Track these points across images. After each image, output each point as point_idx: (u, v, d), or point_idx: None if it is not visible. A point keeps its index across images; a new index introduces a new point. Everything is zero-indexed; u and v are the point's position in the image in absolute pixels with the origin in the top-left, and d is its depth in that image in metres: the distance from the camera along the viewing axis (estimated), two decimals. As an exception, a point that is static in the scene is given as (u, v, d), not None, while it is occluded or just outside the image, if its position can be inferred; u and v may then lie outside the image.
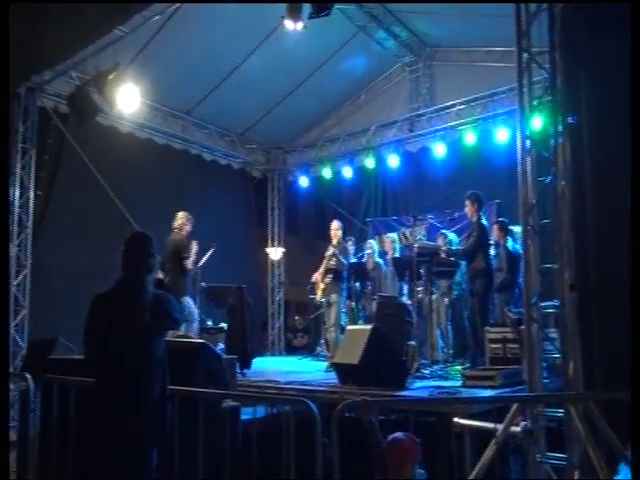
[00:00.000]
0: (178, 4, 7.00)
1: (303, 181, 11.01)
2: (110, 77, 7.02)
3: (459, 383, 5.29)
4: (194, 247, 6.77)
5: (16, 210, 7.64)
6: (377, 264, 7.96)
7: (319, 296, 7.78)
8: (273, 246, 11.07)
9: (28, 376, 4.21)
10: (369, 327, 5.46)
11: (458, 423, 3.89)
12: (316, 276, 7.62)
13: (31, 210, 7.78)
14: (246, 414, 4.30)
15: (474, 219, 6.49)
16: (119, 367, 2.92)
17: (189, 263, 6.70)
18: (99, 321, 2.99)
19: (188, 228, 7.10)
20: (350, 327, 6.37)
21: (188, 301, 6.54)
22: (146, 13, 6.81)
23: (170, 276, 6.25)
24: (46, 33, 7.25)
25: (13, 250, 7.53)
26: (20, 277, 7.53)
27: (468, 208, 6.54)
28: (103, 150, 8.42)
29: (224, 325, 6.79)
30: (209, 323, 7.22)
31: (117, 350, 2.92)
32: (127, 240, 3.16)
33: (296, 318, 12.13)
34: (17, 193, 7.66)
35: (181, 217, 7.14)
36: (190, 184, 9.69)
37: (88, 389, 3.63)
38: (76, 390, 3.97)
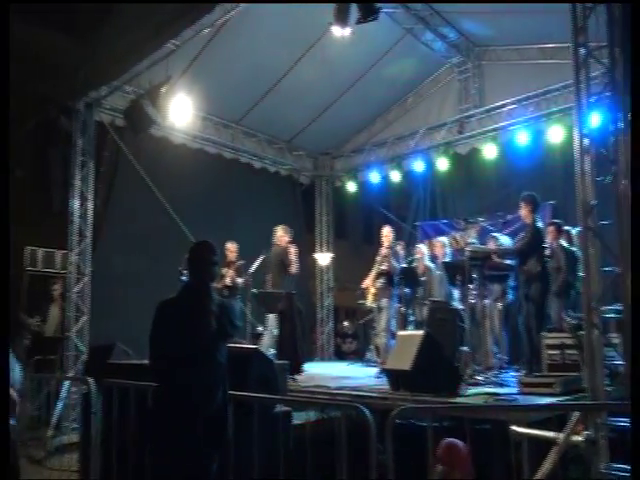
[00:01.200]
0: (227, 17, 7.15)
1: (351, 186, 11.00)
2: (162, 90, 7.27)
3: (515, 390, 5.14)
4: (293, 252, 7.06)
5: (76, 220, 7.96)
6: (428, 268, 7.85)
7: (369, 301, 7.74)
8: (321, 251, 11.10)
9: (90, 380, 4.36)
10: (421, 333, 5.39)
11: (516, 431, 3.78)
12: (367, 281, 7.58)
13: (90, 220, 8.09)
14: (297, 419, 4.33)
15: (529, 221, 6.30)
16: (185, 372, 2.96)
17: (293, 269, 7.03)
18: (165, 327, 3.05)
19: (286, 239, 7.30)
20: (401, 332, 6.31)
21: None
22: (196, 27, 6.99)
23: (274, 283, 6.99)
24: (102, 51, 7.59)
25: (74, 258, 7.86)
26: (80, 285, 7.83)
27: (523, 210, 6.34)
28: (156, 161, 8.68)
29: (274, 331, 6.83)
30: (260, 329, 7.30)
31: (183, 355, 2.97)
32: (192, 248, 3.23)
33: (345, 323, 12.11)
34: (77, 204, 7.98)
35: (278, 230, 7.40)
36: (240, 192, 9.87)
37: (148, 392, 3.76)
38: (135, 393, 4.09)
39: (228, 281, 7.53)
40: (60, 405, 6.91)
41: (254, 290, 6.89)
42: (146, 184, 8.34)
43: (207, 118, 9.44)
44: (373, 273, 7.47)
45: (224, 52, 8.10)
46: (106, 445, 4.18)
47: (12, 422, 3.68)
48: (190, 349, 2.97)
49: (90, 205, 8.10)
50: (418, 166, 9.82)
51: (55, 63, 9.19)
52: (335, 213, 11.74)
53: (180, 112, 7.76)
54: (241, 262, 7.64)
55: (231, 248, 7.75)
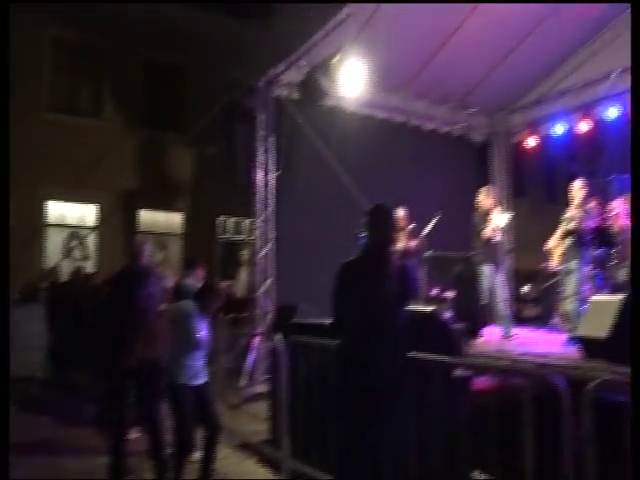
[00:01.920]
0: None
1: (531, 141, 10.22)
2: (334, 60, 7.49)
3: None
4: (494, 216, 6.97)
5: (260, 190, 8.61)
6: (624, 227, 7.02)
7: (555, 263, 7.19)
8: (499, 212, 10.53)
9: (278, 336, 4.70)
10: (619, 297, 4.87)
11: None
12: (551, 242, 7.04)
13: (272, 190, 8.69)
14: (478, 385, 4.22)
15: None
16: (366, 333, 3.01)
17: (486, 232, 6.96)
18: (346, 287, 3.12)
19: (486, 203, 7.20)
20: (595, 297, 5.76)
21: (484, 270, 6.81)
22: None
23: (476, 248, 6.95)
24: (280, 31, 8.01)
25: (259, 226, 8.52)
26: (265, 250, 8.49)
27: None
28: (329, 130, 8.95)
29: (450, 294, 6.72)
30: (434, 291, 7.23)
31: (364, 316, 3.02)
32: (370, 211, 3.26)
33: (526, 287, 11.46)
34: (260, 175, 8.61)
35: (481, 193, 7.31)
36: (411, 155, 9.74)
37: (330, 349, 3.96)
38: (319, 350, 4.33)
39: (401, 246, 7.55)
40: (251, 358, 7.64)
41: (429, 253, 6.81)
42: (321, 153, 8.67)
43: (377, 84, 9.42)
44: (559, 233, 6.90)
45: (392, 16, 7.96)
46: (293, 395, 4.50)
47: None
48: (370, 311, 3.00)
49: (272, 176, 8.69)
50: (610, 113, 8.76)
51: (240, 48, 9.91)
52: (513, 171, 11.04)
53: (350, 80, 7.89)
54: (412, 226, 7.58)
55: (401, 214, 7.73)
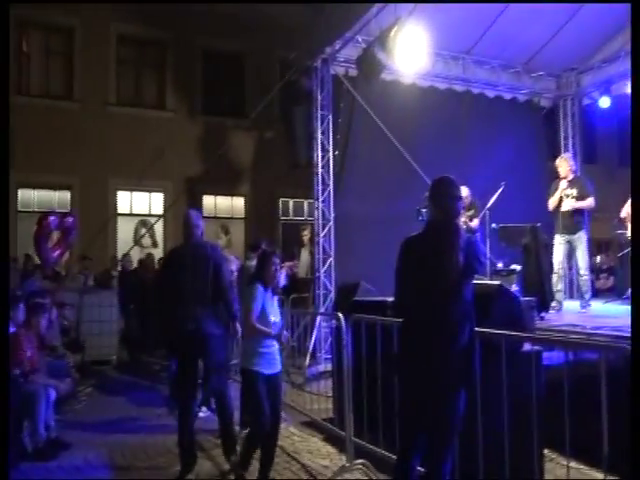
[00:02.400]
0: None
1: (603, 102, 9.58)
2: (392, 33, 7.29)
3: None
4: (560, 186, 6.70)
5: (319, 171, 8.56)
6: None
7: (630, 232, 6.73)
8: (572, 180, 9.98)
9: (340, 315, 4.65)
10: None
11: None
12: (626, 209, 6.58)
13: (331, 169, 8.62)
14: (548, 360, 4.03)
15: None
16: (431, 308, 2.93)
17: (550, 203, 6.78)
18: (410, 263, 3.03)
19: (565, 169, 6.89)
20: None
21: (557, 240, 6.62)
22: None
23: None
24: (332, 9, 7.88)
25: (319, 206, 8.48)
26: (326, 229, 8.45)
27: None
28: (388, 105, 8.78)
29: (516, 267, 6.42)
30: (499, 265, 6.95)
31: (430, 291, 2.93)
32: (434, 184, 3.13)
33: (599, 257, 10.85)
34: (319, 155, 8.55)
35: (557, 161, 7.05)
36: (474, 125, 9.41)
37: (392, 327, 3.87)
38: (381, 328, 4.25)
39: (462, 221, 7.28)
40: (314, 338, 7.67)
41: (494, 225, 6.53)
42: (380, 129, 8.51)
43: (436, 53, 9.13)
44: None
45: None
46: (356, 374, 4.46)
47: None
48: (437, 285, 2.90)
49: (330, 155, 8.62)
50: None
51: (295, 30, 9.85)
52: (583, 135, 10.42)
53: (409, 52, 7.68)
54: (474, 203, 7.29)
55: (465, 193, 7.43)
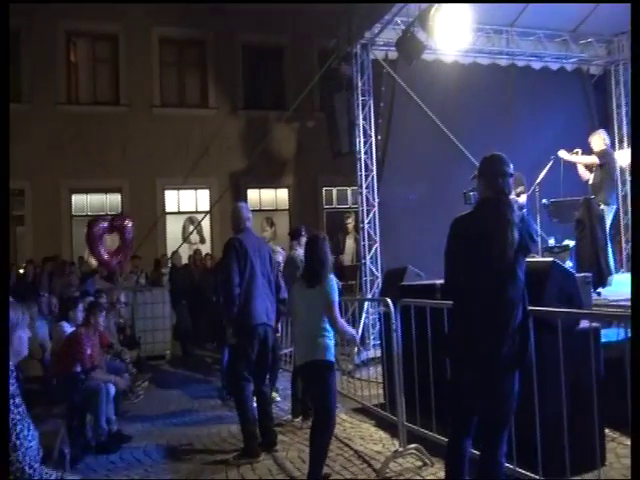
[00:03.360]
0: None
1: (660, 65, 9.01)
2: (432, 11, 7.12)
3: None
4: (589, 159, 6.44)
5: (362, 157, 8.46)
6: None
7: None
8: (620, 149, 9.47)
9: (388, 300, 4.57)
10: None
11: None
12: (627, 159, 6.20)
13: (374, 155, 8.50)
14: (606, 337, 3.84)
15: None
16: (485, 288, 2.84)
17: (584, 175, 6.55)
18: (461, 243, 2.95)
19: (600, 146, 6.66)
20: None
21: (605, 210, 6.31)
22: None
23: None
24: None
25: (363, 192, 8.39)
26: (370, 215, 8.35)
27: None
28: (431, 85, 8.59)
29: (569, 242, 6.15)
30: (551, 242, 6.68)
31: (483, 271, 2.84)
32: (483, 162, 3.06)
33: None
34: (361, 141, 8.45)
35: (593, 136, 6.77)
36: (519, 99, 9.06)
37: (442, 310, 3.77)
38: (431, 311, 4.16)
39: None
40: (362, 324, 7.60)
41: (544, 200, 6.27)
42: (422, 111, 8.33)
43: (478, 28, 8.82)
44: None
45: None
46: (406, 358, 4.38)
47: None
48: (491, 265, 2.81)
49: (373, 141, 8.50)
50: None
51: (332, 17, 9.76)
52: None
53: (450, 29, 7.47)
54: (517, 175, 7.02)
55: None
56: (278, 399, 6.13)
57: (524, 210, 6.34)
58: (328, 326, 3.79)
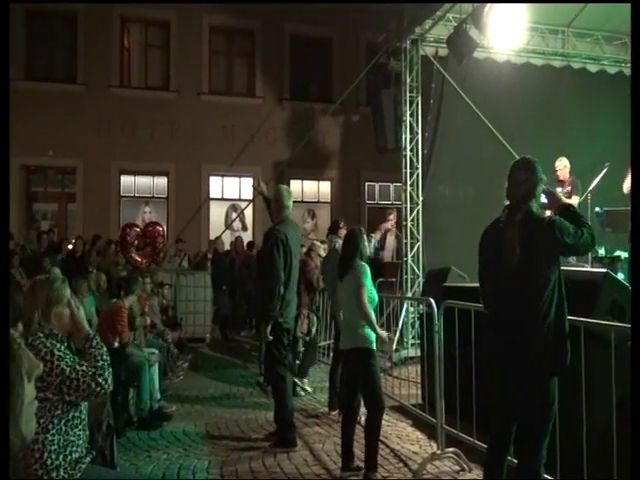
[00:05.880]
0: None
1: None
2: (486, 9, 7.01)
3: None
4: None
5: (408, 154, 8.41)
6: None
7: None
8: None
9: (431, 300, 4.56)
10: None
11: None
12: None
13: (420, 152, 8.44)
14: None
15: None
16: (508, 302, 2.89)
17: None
18: (486, 254, 3.03)
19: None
20: None
21: None
22: None
23: None
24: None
25: (407, 190, 8.35)
26: (414, 213, 8.31)
27: None
28: (481, 84, 8.48)
29: (620, 253, 6.00)
30: (601, 252, 6.51)
31: (505, 282, 2.91)
32: (511, 167, 3.06)
33: None
34: (407, 138, 8.40)
35: None
36: (574, 102, 8.86)
37: (485, 315, 3.75)
38: (475, 314, 4.13)
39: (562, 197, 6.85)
40: (401, 322, 7.58)
41: (597, 208, 6.13)
42: (471, 110, 8.23)
43: (533, 28, 8.65)
44: None
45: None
46: (447, 361, 4.36)
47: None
48: (510, 277, 2.85)
49: (419, 138, 8.44)
50: None
51: (382, 11, 9.70)
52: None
53: (504, 28, 7.35)
54: (572, 178, 6.84)
55: (560, 165, 6.97)
56: (309, 389, 6.29)
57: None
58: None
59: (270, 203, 4.97)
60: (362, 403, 4.18)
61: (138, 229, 9.35)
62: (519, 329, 2.83)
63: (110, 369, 2.48)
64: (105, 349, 2.53)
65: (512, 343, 2.85)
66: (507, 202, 3.01)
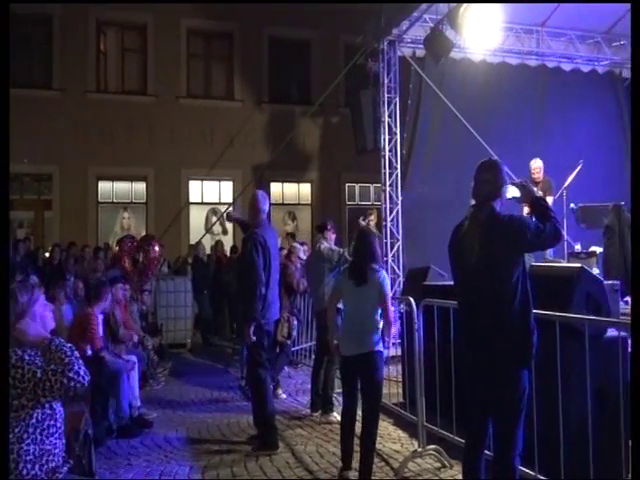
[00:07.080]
0: None
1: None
2: (462, 9, 7.08)
3: None
4: None
5: (387, 154, 8.45)
6: None
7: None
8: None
9: (411, 299, 4.58)
10: None
11: None
12: None
13: (399, 153, 8.48)
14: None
15: None
16: (473, 300, 2.96)
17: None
18: (453, 253, 3.09)
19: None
20: None
21: None
22: None
23: None
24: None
25: (386, 190, 8.38)
26: (393, 213, 8.34)
27: None
28: (458, 84, 8.56)
29: (596, 249, 6.09)
30: (577, 247, 6.60)
31: (470, 280, 2.97)
32: (476, 169, 3.11)
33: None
34: (386, 139, 8.43)
35: None
36: (549, 100, 9.00)
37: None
38: (454, 312, 4.15)
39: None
40: (381, 323, 7.58)
41: (572, 205, 6.21)
42: (449, 110, 8.29)
43: (507, 28, 8.76)
44: None
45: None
46: (427, 359, 4.38)
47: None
48: (475, 275, 2.92)
49: (398, 139, 8.48)
50: None
51: (360, 13, 9.74)
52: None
53: (480, 28, 7.43)
54: (546, 178, 6.92)
55: (534, 166, 7.06)
56: (283, 396, 6.23)
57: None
58: (377, 319, 3.94)
59: (246, 227, 5.01)
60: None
61: (135, 243, 9.13)
62: (484, 324, 2.88)
63: (80, 362, 2.44)
64: (68, 346, 2.49)
65: (479, 338, 2.91)
66: (473, 201, 3.05)
